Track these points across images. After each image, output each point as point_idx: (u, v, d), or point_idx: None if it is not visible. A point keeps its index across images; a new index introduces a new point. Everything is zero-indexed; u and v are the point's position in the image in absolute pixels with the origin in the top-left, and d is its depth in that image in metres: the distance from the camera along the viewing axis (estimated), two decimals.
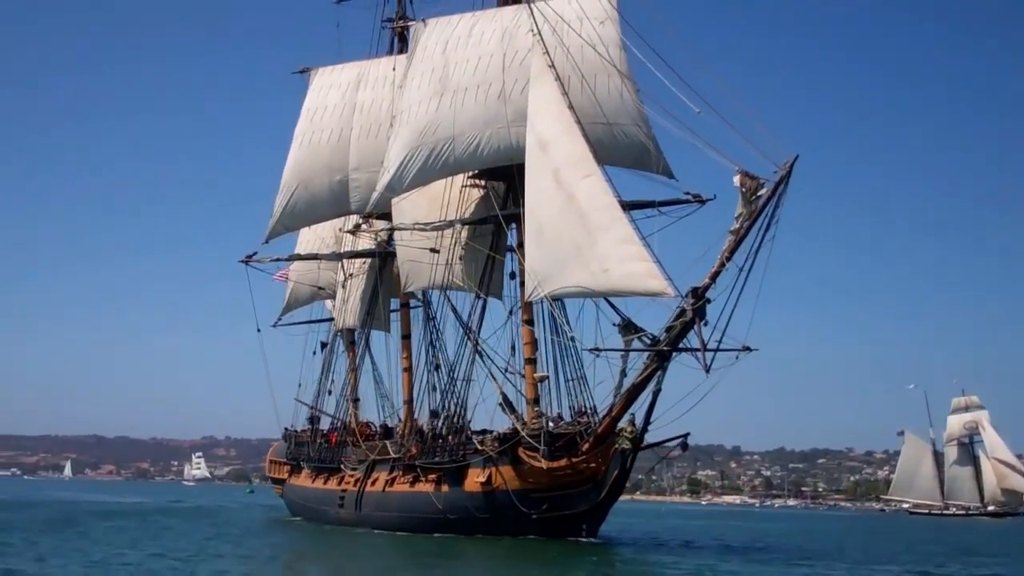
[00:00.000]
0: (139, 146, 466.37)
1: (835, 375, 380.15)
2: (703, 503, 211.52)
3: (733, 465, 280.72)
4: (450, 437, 48.13)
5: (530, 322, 47.33)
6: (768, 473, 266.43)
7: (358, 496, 52.14)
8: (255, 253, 57.99)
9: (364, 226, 53.56)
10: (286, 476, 62.92)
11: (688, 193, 46.33)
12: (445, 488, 46.61)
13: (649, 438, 42.41)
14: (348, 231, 54.65)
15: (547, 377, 46.87)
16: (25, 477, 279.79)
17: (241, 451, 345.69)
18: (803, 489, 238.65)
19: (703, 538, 56.53)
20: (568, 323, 46.06)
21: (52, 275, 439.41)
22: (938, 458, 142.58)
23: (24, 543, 38.59)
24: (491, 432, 46.58)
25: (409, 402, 54.86)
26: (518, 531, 43.61)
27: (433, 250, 48.80)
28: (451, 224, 48.81)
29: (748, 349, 40.86)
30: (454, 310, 50.70)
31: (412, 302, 56.26)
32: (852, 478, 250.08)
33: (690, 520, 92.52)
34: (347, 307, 58.33)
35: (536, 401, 46.58)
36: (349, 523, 52.32)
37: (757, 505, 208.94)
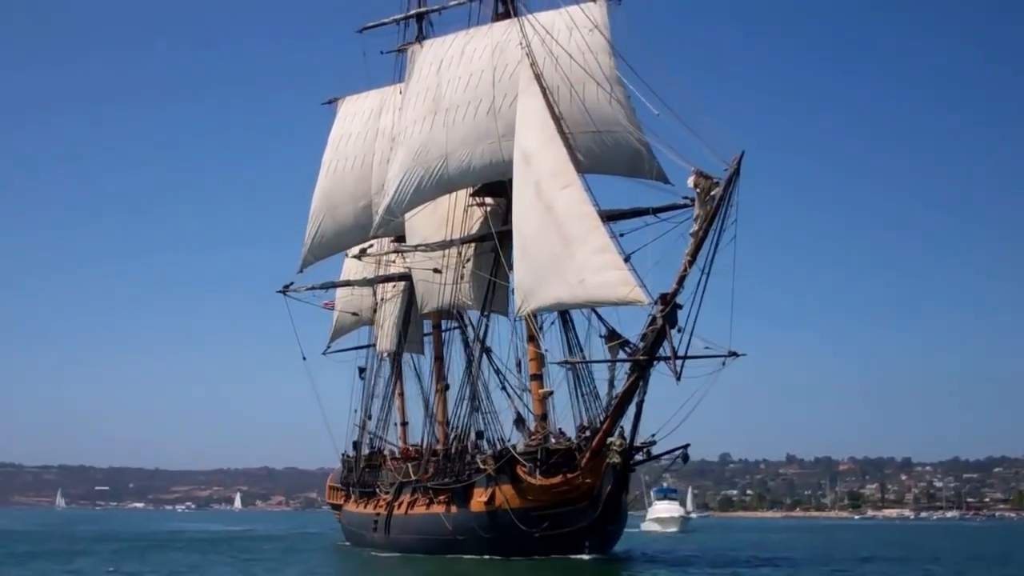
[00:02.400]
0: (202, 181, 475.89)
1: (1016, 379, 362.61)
2: (856, 518, 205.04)
3: (904, 478, 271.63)
4: (457, 458, 47.76)
5: (534, 338, 46.73)
6: (940, 484, 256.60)
7: (387, 519, 52.23)
8: (292, 283, 58.59)
9: (370, 250, 53.81)
10: (342, 501, 63.38)
11: (685, 197, 44.79)
12: (454, 509, 46.31)
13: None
14: (354, 256, 54.97)
15: (551, 393, 46.18)
16: (188, 510, 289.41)
17: None
18: (968, 500, 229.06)
19: (742, 552, 54.80)
20: (573, 338, 45.54)
21: (215, 317, 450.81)
22: None
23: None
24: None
25: (444, 423, 54.57)
26: (522, 551, 42.90)
27: (436, 270, 48.78)
28: (451, 243, 48.64)
29: (735, 354, 39.53)
30: (462, 330, 50.44)
31: (444, 323, 56.12)
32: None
33: (772, 534, 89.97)
34: (383, 331, 58.72)
35: (544, 417, 45.95)
36: (381, 546, 52.45)
37: (912, 517, 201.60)
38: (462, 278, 48.69)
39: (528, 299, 42.11)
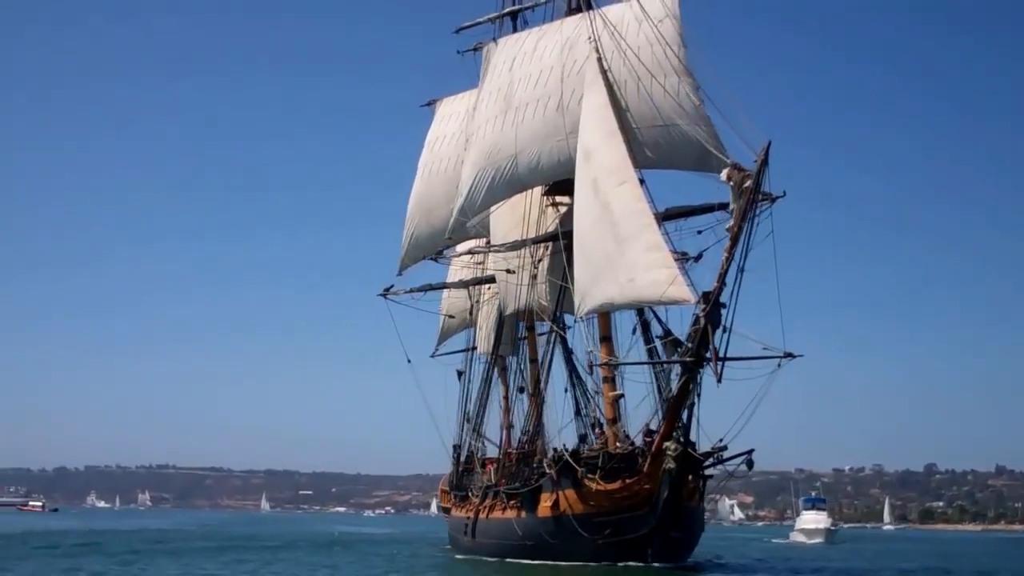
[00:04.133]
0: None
1: None
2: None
3: None
4: (525, 462, 47.02)
5: (607, 339, 45.54)
6: None
7: (474, 523, 51.81)
8: (391, 286, 58.71)
9: (447, 252, 53.45)
10: (451, 505, 63.21)
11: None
12: (523, 514, 45.53)
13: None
14: (431, 259, 54.60)
15: (621, 395, 44.89)
16: (383, 514, 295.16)
17: None
18: None
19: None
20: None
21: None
22: None
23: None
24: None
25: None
26: (586, 557, 41.74)
27: (509, 271, 48.17)
28: (523, 244, 47.96)
29: (791, 356, 37.93)
30: (528, 330, 49.55)
31: (538, 325, 55.27)
32: None
33: (935, 546, 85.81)
34: (482, 334, 58.35)
35: (615, 421, 44.74)
36: (470, 551, 52.01)
37: None
38: (534, 279, 47.86)
39: (585, 300, 41.14)
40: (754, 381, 37.83)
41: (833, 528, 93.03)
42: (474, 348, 61.75)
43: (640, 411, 44.43)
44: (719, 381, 36.37)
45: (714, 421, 40.53)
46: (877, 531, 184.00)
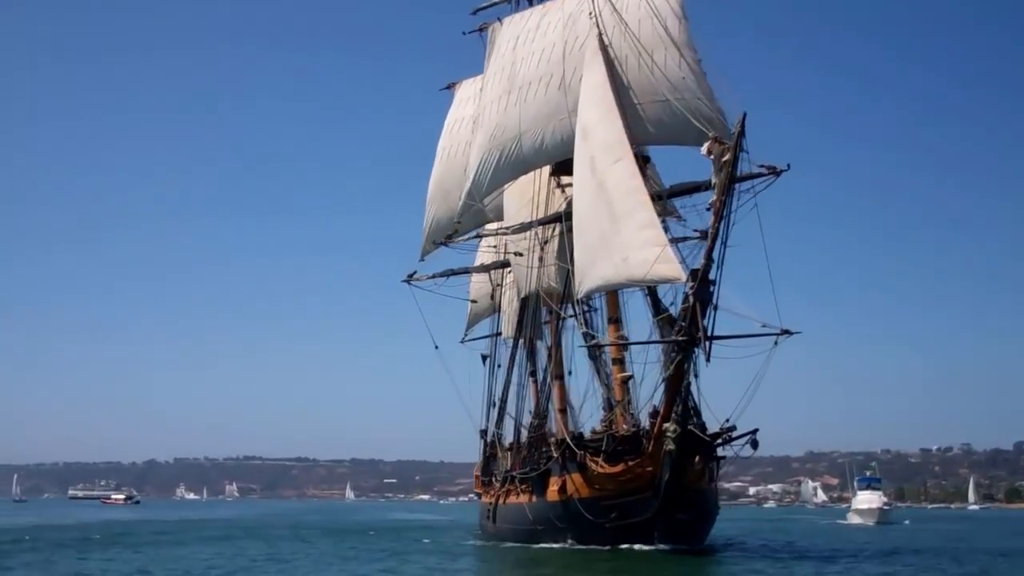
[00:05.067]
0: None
1: None
2: None
3: None
4: (535, 447, 46.46)
5: (615, 320, 44.80)
6: None
7: (494, 509, 51.40)
8: (415, 272, 58.18)
9: (458, 237, 52.82)
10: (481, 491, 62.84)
11: (762, 165, 41.79)
12: (534, 499, 45.01)
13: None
14: (440, 243, 53.85)
15: (631, 377, 44.12)
16: (465, 501, 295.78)
17: None
18: None
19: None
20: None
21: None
22: None
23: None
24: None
25: (562, 411, 53.08)
26: (594, 541, 41.09)
27: (517, 254, 47.53)
28: (529, 226, 47.28)
29: (788, 332, 37.05)
30: (551, 314, 48.86)
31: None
32: None
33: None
34: (506, 318, 57.78)
35: (626, 403, 43.99)
36: (492, 536, 51.61)
37: None
38: (541, 261, 47.15)
39: (583, 280, 40.36)
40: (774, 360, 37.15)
41: (886, 508, 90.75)
42: (499, 333, 61.19)
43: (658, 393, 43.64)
44: (708, 360, 35.59)
45: (728, 401, 39.95)
46: (960, 511, 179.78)
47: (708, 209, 41.29)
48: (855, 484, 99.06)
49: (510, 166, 46.30)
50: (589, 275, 39.82)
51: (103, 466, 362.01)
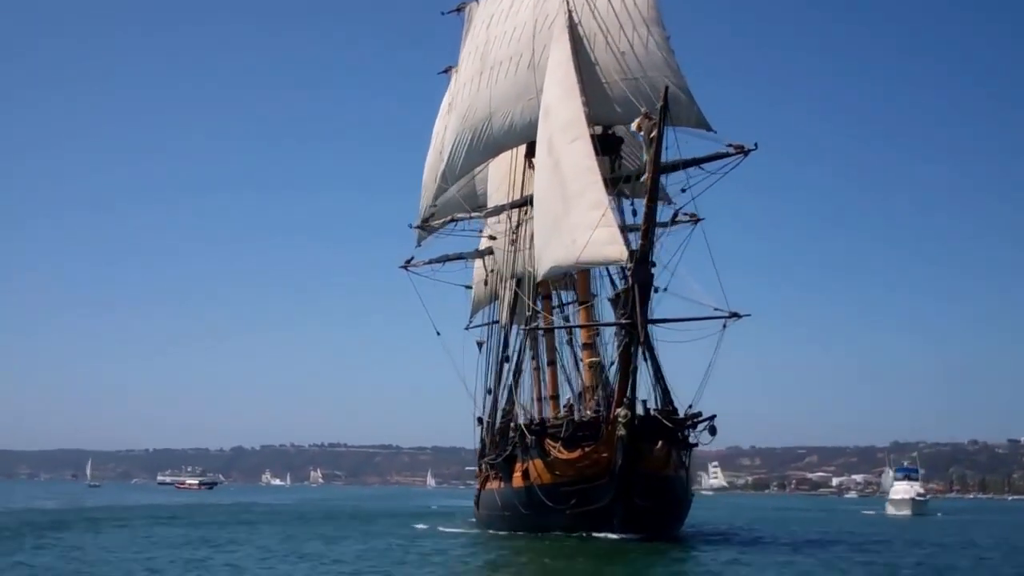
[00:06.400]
0: None
1: None
2: None
3: None
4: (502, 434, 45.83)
5: (586, 303, 43.98)
6: None
7: (478, 496, 50.92)
8: (412, 258, 57.49)
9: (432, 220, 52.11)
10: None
11: (730, 145, 40.72)
12: (501, 485, 44.40)
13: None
14: (418, 227, 53.09)
15: (599, 362, 43.17)
16: None
17: (765, 460, 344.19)
18: None
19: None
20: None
21: None
22: None
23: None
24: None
25: (553, 398, 52.38)
26: (555, 528, 40.34)
27: (491, 237, 46.90)
28: (501, 209, 46.62)
29: (736, 315, 36.14)
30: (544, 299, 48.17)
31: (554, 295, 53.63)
32: None
33: None
34: (501, 304, 56.93)
35: (594, 389, 43.08)
36: (475, 523, 51.14)
37: None
38: (513, 244, 46.41)
39: (539, 264, 39.62)
40: (767, 350, 36.51)
41: (921, 499, 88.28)
42: (496, 321, 60.36)
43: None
44: (641, 344, 34.69)
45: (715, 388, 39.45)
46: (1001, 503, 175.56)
47: (683, 191, 41.23)
48: (893, 475, 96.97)
49: (482, 148, 45.73)
50: (544, 258, 39.03)
51: (191, 452, 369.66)
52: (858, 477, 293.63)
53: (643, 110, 34.97)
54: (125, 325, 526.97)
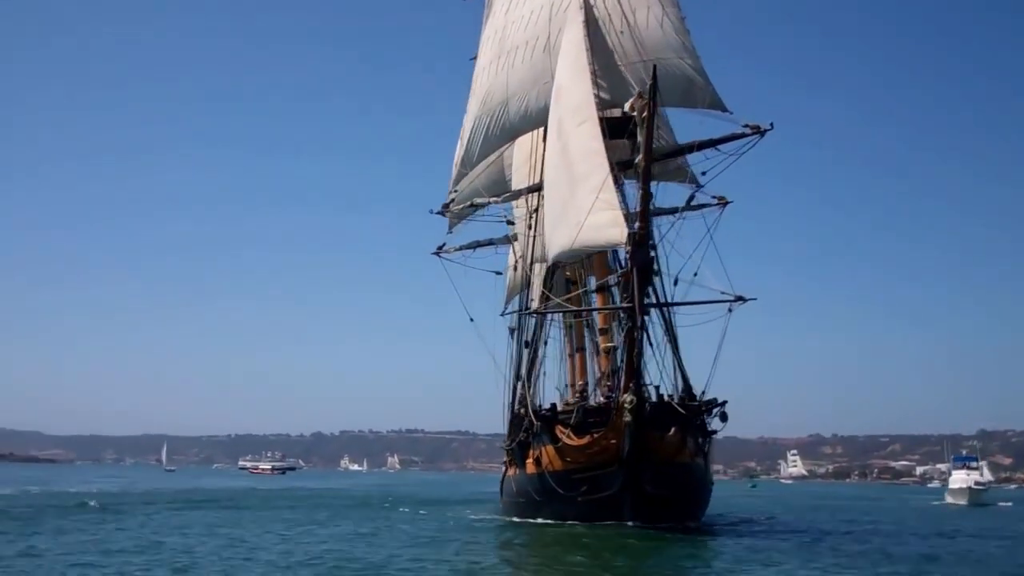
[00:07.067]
0: None
1: None
2: None
3: None
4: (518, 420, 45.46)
5: (604, 288, 43.51)
6: None
7: (502, 482, 50.68)
8: (443, 244, 57.24)
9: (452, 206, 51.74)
10: None
11: (746, 125, 40.05)
12: (517, 471, 44.11)
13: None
14: (438, 213, 52.72)
15: (615, 348, 42.62)
16: None
17: (847, 448, 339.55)
18: None
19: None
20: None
21: None
22: None
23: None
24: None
25: (578, 384, 51.79)
26: (567, 515, 39.90)
27: (509, 222, 46.57)
28: (518, 194, 46.26)
29: (742, 299, 35.58)
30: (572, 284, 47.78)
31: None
32: None
33: None
34: (528, 290, 56.51)
35: (610, 374, 42.60)
36: (500, 511, 50.81)
37: None
38: (530, 228, 46.01)
39: (549, 248, 39.29)
40: (775, 337, 35.80)
41: (979, 488, 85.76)
42: (527, 306, 59.74)
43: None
44: (639, 328, 34.05)
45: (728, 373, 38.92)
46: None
47: (703, 174, 40.64)
48: (952, 463, 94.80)
49: (498, 132, 45.45)
50: (552, 242, 38.72)
51: (272, 438, 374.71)
52: (942, 466, 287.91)
53: (637, 90, 34.31)
54: (224, 317, 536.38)
